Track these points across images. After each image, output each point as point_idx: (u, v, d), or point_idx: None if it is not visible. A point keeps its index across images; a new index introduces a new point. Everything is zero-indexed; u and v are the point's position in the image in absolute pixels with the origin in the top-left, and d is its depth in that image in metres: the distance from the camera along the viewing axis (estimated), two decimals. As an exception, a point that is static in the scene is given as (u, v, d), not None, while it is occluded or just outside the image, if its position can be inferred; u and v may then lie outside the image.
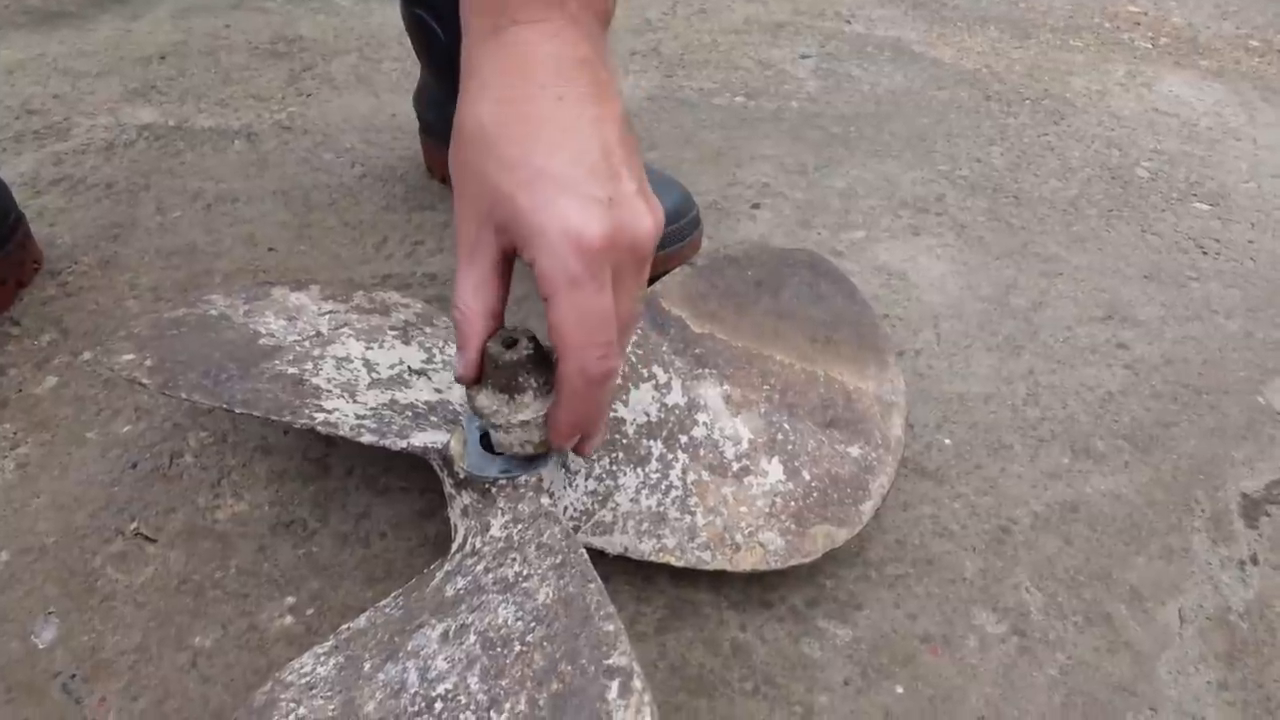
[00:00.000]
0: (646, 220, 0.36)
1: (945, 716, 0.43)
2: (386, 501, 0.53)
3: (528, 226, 0.35)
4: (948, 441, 0.57)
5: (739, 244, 0.58)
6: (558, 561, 0.39)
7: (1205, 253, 0.77)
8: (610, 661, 0.34)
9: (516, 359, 0.41)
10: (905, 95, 1.01)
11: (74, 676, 0.44)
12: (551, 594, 0.37)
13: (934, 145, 0.92)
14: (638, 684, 0.33)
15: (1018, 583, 0.49)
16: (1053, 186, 0.85)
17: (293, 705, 0.38)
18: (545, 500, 0.42)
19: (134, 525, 0.51)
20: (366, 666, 0.38)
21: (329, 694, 0.38)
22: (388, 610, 0.42)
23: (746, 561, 0.45)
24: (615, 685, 0.33)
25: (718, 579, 0.48)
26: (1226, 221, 0.81)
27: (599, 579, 0.37)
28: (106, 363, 0.46)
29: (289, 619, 0.47)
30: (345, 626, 0.41)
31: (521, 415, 0.41)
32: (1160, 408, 0.61)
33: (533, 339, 0.41)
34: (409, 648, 0.39)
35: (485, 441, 0.44)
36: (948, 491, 0.54)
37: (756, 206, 0.80)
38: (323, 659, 0.40)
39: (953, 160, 0.89)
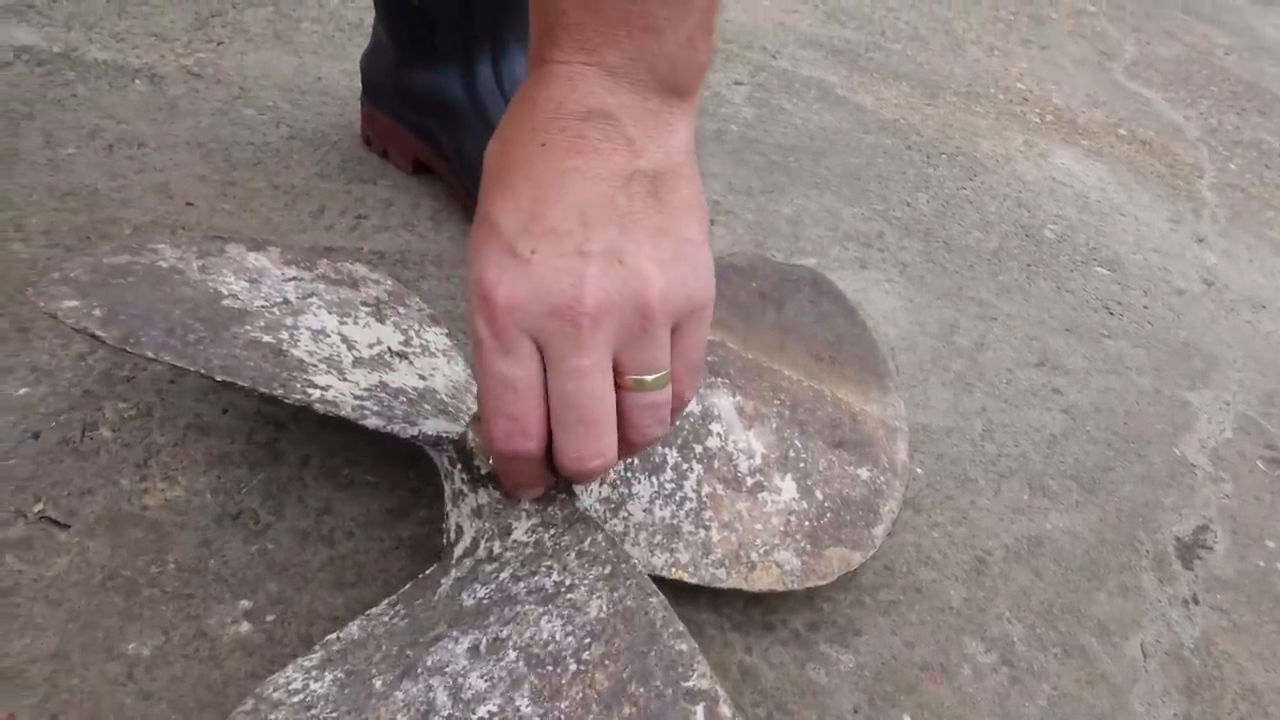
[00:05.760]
0: (588, 287, 0.30)
1: (951, 746, 0.43)
2: (351, 496, 0.47)
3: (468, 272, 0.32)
4: (920, 471, 0.58)
5: (740, 253, 0.56)
6: (606, 572, 0.35)
7: (1111, 314, 0.83)
8: (690, 684, 0.31)
9: None
10: (836, 134, 1.04)
11: (-29, 688, 0.35)
12: (605, 608, 0.34)
13: (868, 185, 0.94)
14: (726, 711, 0.30)
15: (999, 613, 0.50)
16: (975, 237, 0.90)
17: (288, 728, 0.32)
18: (579, 504, 0.39)
19: (39, 507, 0.42)
20: (377, 684, 0.33)
21: (333, 714, 0.32)
22: (386, 620, 0.37)
23: (762, 581, 0.43)
24: (700, 710, 0.30)
25: (716, 598, 0.46)
26: (1124, 287, 0.88)
27: (660, 593, 0.34)
28: (47, 307, 0.38)
29: (246, 625, 0.40)
30: (334, 636, 0.36)
31: None
32: (1097, 452, 0.64)
33: None
34: (429, 663, 0.34)
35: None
36: (926, 520, 0.55)
37: (713, 222, 0.79)
38: (314, 674, 0.34)
39: (886, 201, 0.92)
